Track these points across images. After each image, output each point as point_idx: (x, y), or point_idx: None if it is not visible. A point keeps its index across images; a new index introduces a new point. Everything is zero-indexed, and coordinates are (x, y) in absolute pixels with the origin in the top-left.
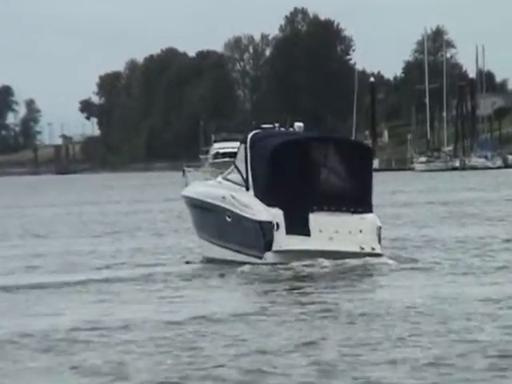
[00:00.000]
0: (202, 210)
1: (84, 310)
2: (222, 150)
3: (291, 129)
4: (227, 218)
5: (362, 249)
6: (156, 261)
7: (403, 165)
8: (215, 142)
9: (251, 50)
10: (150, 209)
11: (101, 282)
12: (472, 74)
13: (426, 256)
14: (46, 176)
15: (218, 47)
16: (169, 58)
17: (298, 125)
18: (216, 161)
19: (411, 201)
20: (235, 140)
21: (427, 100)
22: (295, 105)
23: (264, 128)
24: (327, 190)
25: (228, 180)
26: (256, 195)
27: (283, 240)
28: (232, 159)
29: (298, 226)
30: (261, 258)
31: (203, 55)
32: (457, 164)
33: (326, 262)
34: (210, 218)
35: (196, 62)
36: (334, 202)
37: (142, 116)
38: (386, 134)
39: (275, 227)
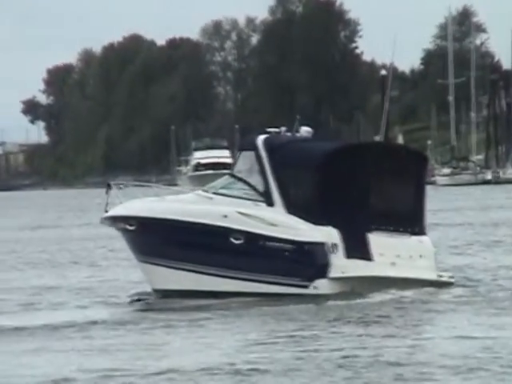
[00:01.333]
0: (177, 233)
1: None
2: (204, 161)
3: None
4: (233, 240)
5: (440, 277)
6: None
7: None
8: (196, 150)
9: (234, 37)
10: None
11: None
12: (507, 65)
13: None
14: None
15: (193, 34)
16: (133, 48)
17: (306, 129)
18: (197, 173)
19: (439, 221)
20: (221, 147)
21: (451, 97)
22: (289, 104)
23: (270, 132)
24: (384, 206)
25: (223, 195)
26: (291, 212)
27: (344, 264)
28: (217, 171)
29: (356, 248)
30: (306, 287)
31: (175, 44)
32: (489, 177)
33: (407, 293)
34: (195, 242)
35: (166, 53)
36: (391, 220)
37: (99, 120)
38: (400, 139)
39: (331, 249)
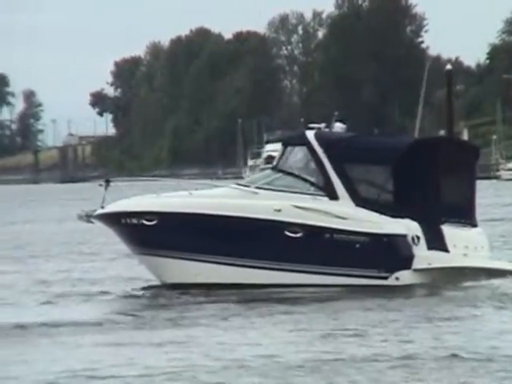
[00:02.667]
0: (219, 228)
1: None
2: (275, 153)
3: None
4: (289, 234)
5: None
6: None
7: (486, 172)
8: (268, 142)
9: (300, 31)
10: None
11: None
12: None
13: None
14: (48, 185)
15: (260, 27)
16: (200, 41)
17: (339, 125)
18: (268, 166)
19: (505, 216)
20: None
21: None
22: (355, 99)
23: (313, 128)
24: (449, 198)
25: (270, 189)
26: (359, 205)
27: (427, 256)
28: None
29: (435, 239)
30: (386, 278)
31: (241, 37)
32: None
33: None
34: (241, 236)
35: (233, 46)
36: (456, 213)
37: (166, 112)
38: (465, 134)
39: (414, 241)
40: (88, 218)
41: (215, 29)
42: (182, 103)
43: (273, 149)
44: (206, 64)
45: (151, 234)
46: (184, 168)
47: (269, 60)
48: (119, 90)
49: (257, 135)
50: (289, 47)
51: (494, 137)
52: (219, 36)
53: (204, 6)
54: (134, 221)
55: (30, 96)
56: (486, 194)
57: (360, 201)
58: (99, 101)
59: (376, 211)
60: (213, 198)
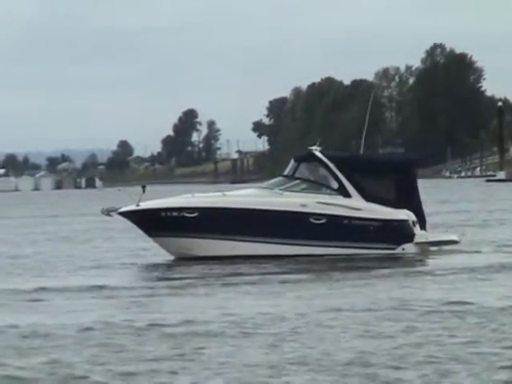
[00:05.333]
0: (255, 217)
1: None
2: None
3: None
4: (313, 221)
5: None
6: None
7: None
8: None
9: (397, 79)
10: None
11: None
12: None
13: None
14: (222, 185)
15: (369, 76)
16: (327, 86)
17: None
18: None
19: None
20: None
21: None
22: (434, 126)
23: (311, 149)
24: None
25: (292, 191)
26: (369, 200)
27: (422, 234)
28: None
29: (422, 223)
30: (394, 249)
31: (356, 83)
32: None
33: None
34: (277, 223)
35: (350, 89)
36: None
37: (303, 135)
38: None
39: (413, 224)
40: (108, 212)
41: (338, 77)
42: (314, 128)
43: None
44: (331, 101)
45: (192, 223)
46: None
47: (375, 99)
48: (272, 120)
49: (366, 151)
50: (388, 90)
51: None
52: (341, 82)
53: (329, 63)
54: (175, 214)
55: (211, 124)
56: None
57: (368, 198)
58: (259, 127)
59: (383, 205)
60: (247, 197)
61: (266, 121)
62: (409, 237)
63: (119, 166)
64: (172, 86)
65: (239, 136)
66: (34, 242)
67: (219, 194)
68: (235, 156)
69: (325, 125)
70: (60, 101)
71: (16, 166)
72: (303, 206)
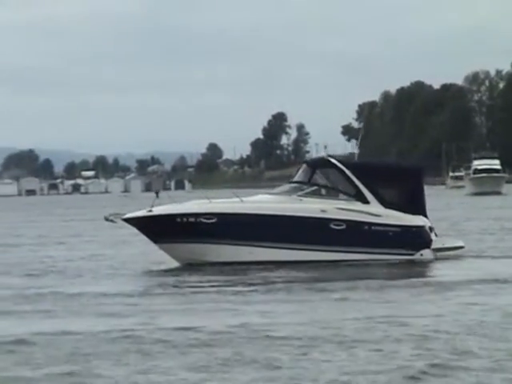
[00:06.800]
0: (278, 223)
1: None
2: (480, 167)
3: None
4: (334, 226)
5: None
6: None
7: None
8: (475, 159)
9: (487, 83)
10: None
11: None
12: None
13: None
14: None
15: (459, 80)
16: (416, 90)
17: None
18: (476, 176)
19: None
20: (493, 157)
21: None
22: None
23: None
24: None
25: (311, 197)
26: (387, 207)
27: (438, 240)
28: (490, 174)
29: (433, 229)
30: (413, 255)
31: (446, 88)
32: None
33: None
34: (297, 229)
35: (439, 94)
36: None
37: (392, 139)
38: None
39: (430, 230)
40: (112, 218)
41: (427, 81)
42: (403, 133)
43: (478, 163)
44: (420, 105)
45: (210, 229)
46: None
47: (465, 103)
48: (361, 124)
49: (455, 154)
50: (478, 94)
51: None
52: (430, 86)
53: (421, 66)
54: (192, 219)
55: (300, 128)
56: None
57: (386, 204)
58: (347, 131)
59: (400, 211)
60: (266, 203)
61: (355, 124)
62: (427, 243)
63: (208, 168)
64: (262, 89)
65: (328, 139)
66: (124, 242)
67: (236, 199)
68: None
69: (414, 129)
70: (151, 103)
71: (106, 168)
72: (323, 211)
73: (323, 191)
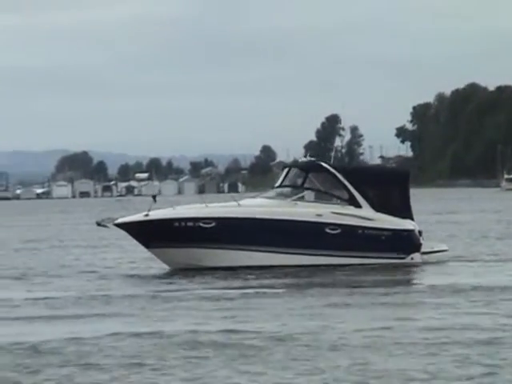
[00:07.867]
0: (272, 228)
1: None
2: None
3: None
4: (329, 231)
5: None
6: None
7: None
8: None
9: None
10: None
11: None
12: None
13: None
14: None
15: None
16: (471, 92)
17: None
18: None
19: None
20: None
21: None
22: None
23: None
24: None
25: (305, 201)
26: (378, 211)
27: (426, 244)
28: None
29: (420, 233)
30: (404, 258)
31: (501, 89)
32: None
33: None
34: (293, 233)
35: (494, 96)
36: None
37: (447, 141)
38: None
39: (420, 234)
40: (104, 223)
41: (482, 83)
42: (458, 135)
43: None
44: (475, 107)
45: (209, 233)
46: (459, 179)
47: None
48: (416, 126)
49: (511, 156)
50: None
51: None
52: (485, 88)
53: (476, 69)
54: (190, 224)
55: (354, 130)
56: None
57: (377, 208)
58: (402, 133)
59: (390, 215)
60: (263, 207)
61: (410, 126)
62: (417, 246)
63: (262, 171)
64: (315, 92)
65: (382, 141)
66: None
67: (234, 203)
68: (378, 161)
69: (469, 131)
70: (203, 105)
71: (160, 170)
72: (319, 215)
73: (317, 195)
